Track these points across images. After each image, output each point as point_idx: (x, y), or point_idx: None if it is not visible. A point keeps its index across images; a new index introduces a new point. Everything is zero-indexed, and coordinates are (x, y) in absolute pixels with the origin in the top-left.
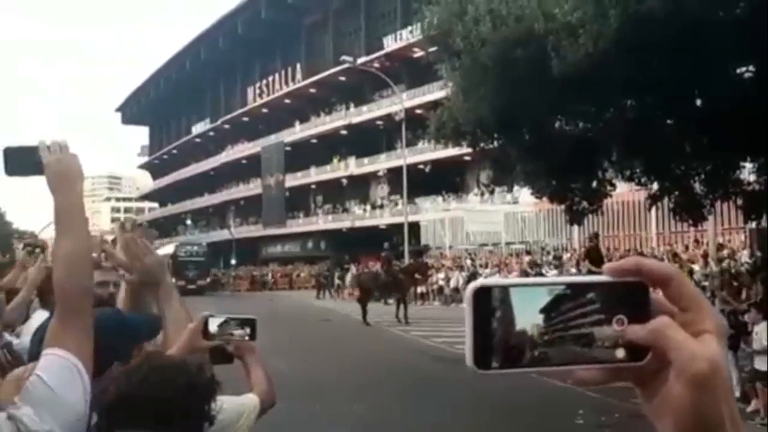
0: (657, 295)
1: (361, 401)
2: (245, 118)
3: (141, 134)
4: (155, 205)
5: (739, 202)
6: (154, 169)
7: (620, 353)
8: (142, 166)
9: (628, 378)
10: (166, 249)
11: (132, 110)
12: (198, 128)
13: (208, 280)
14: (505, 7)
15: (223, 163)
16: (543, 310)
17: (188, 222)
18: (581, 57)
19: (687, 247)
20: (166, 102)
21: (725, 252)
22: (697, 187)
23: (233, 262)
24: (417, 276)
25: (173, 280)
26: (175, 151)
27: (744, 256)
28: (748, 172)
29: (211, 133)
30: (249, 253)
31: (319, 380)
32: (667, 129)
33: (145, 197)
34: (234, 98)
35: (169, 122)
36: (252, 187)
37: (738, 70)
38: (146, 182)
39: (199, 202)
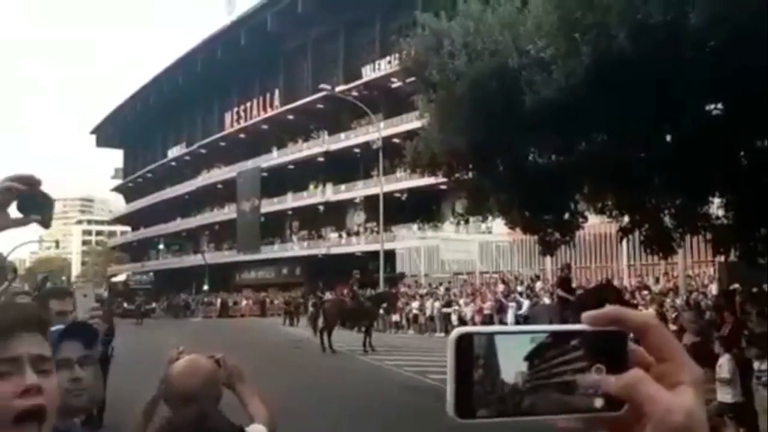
0: (636, 345)
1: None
2: (222, 143)
3: (115, 157)
4: (127, 228)
5: (708, 236)
6: (128, 192)
7: (599, 402)
8: (116, 189)
9: (606, 427)
10: (119, 277)
11: (107, 132)
12: (174, 152)
13: (154, 305)
14: (480, 42)
15: (199, 187)
16: (526, 358)
17: (161, 246)
18: (553, 92)
19: (657, 280)
20: (142, 125)
21: (694, 284)
22: (667, 220)
23: (206, 287)
24: (385, 305)
25: (125, 304)
26: (149, 175)
27: (713, 289)
28: (716, 207)
29: (187, 157)
30: (222, 278)
31: (288, 410)
32: (638, 164)
33: (118, 220)
34: (211, 123)
35: (145, 145)
36: (227, 212)
37: (707, 108)
38: (119, 205)
39: (172, 227)
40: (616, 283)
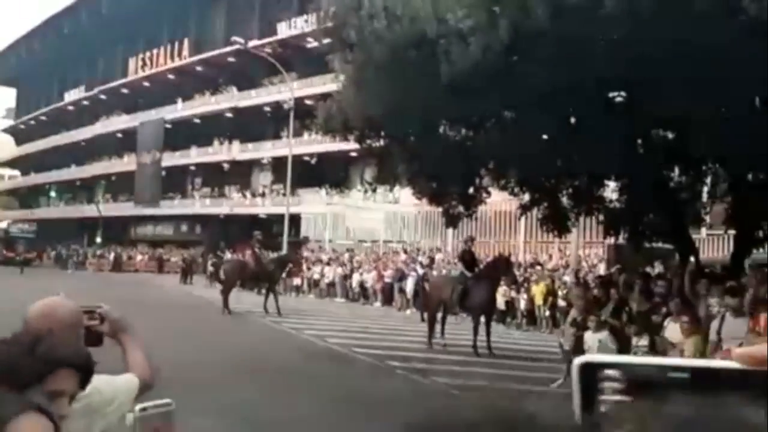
0: None
1: (227, 392)
2: (124, 90)
3: (7, 96)
4: (16, 173)
5: (601, 218)
6: (19, 134)
7: None
8: (6, 130)
9: None
10: (1, 224)
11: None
12: (71, 95)
13: (35, 254)
14: (400, 6)
15: (97, 134)
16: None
17: (52, 194)
18: (469, 64)
19: (551, 257)
20: (38, 64)
21: (584, 263)
22: (565, 200)
23: (98, 240)
24: (290, 267)
25: (4, 251)
26: (44, 117)
27: (601, 269)
28: (611, 190)
29: (86, 102)
30: (117, 232)
31: (184, 370)
32: (542, 143)
33: (7, 164)
34: (114, 68)
35: (41, 86)
36: (126, 163)
37: (610, 94)
38: (9, 148)
39: (66, 174)
40: (513, 259)
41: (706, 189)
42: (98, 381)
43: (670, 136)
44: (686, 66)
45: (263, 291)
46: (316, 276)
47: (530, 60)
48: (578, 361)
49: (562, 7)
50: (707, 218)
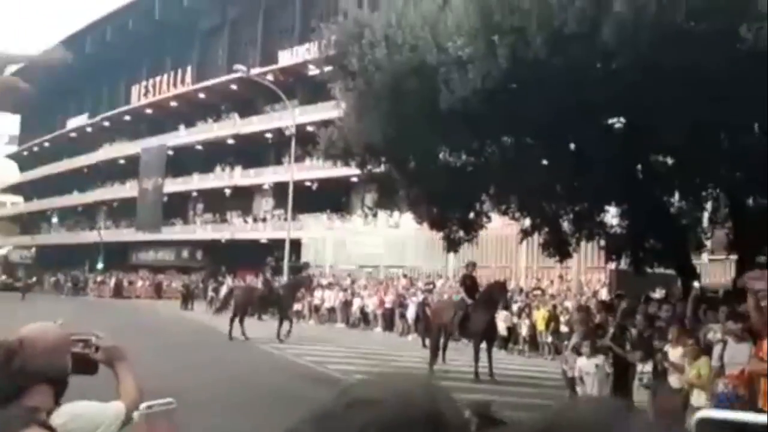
0: None
1: (222, 417)
2: (127, 117)
3: (11, 123)
4: (19, 199)
5: (602, 243)
6: (22, 161)
7: None
8: (9, 156)
9: None
10: (1, 251)
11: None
12: (74, 122)
13: (35, 279)
14: (401, 36)
15: (99, 161)
16: None
17: (54, 220)
18: (469, 92)
19: (552, 282)
20: (42, 91)
21: (586, 288)
22: (566, 225)
23: (100, 266)
24: (302, 292)
25: (3, 277)
26: (47, 144)
27: (603, 294)
28: (611, 216)
29: (89, 129)
30: (118, 257)
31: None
32: (542, 169)
33: (9, 190)
34: (117, 95)
35: (44, 113)
36: (128, 189)
37: (610, 121)
38: (12, 174)
39: (68, 200)
40: (513, 284)
41: (706, 214)
42: (79, 408)
43: (670, 161)
44: (684, 93)
45: (264, 317)
46: (317, 301)
47: (529, 87)
48: (698, 415)
49: (560, 36)
50: (708, 243)
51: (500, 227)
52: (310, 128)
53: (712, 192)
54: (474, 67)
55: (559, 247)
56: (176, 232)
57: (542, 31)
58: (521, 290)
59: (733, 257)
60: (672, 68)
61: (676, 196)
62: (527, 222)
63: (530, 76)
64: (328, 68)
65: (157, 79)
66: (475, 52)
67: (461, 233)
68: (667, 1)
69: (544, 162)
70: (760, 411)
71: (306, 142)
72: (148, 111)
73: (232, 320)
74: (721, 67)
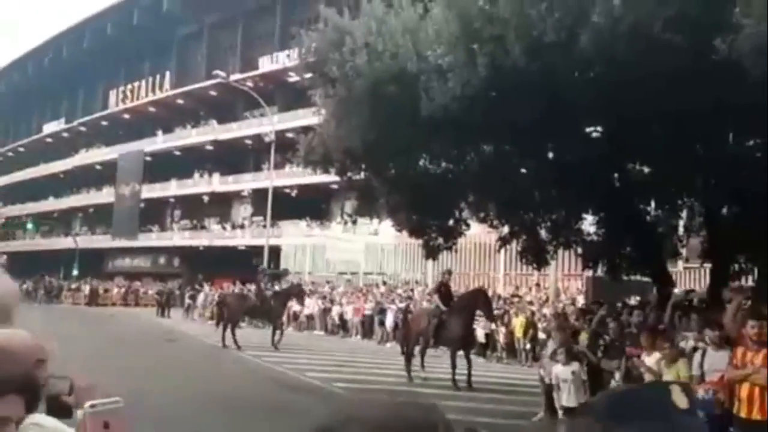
0: None
1: (200, 426)
2: (104, 122)
3: None
4: None
5: (579, 250)
6: None
7: None
8: None
9: None
10: None
11: None
12: (50, 127)
13: None
14: (381, 43)
15: (75, 166)
16: None
17: (29, 226)
18: (449, 100)
19: (530, 289)
20: (18, 96)
21: (563, 296)
22: (543, 233)
23: (75, 272)
24: (294, 301)
25: None
26: (21, 149)
27: (580, 301)
28: (588, 223)
29: (65, 134)
30: (93, 264)
31: (157, 405)
32: (520, 177)
33: None
34: (94, 101)
35: (19, 118)
36: (104, 195)
37: (588, 130)
38: None
39: (43, 206)
40: (491, 291)
41: (682, 223)
42: (42, 418)
43: (646, 171)
44: (661, 103)
45: (242, 324)
46: (296, 308)
47: (508, 96)
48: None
49: (538, 44)
50: (684, 251)
51: (479, 235)
52: (289, 135)
53: (687, 201)
54: (454, 75)
55: (537, 255)
56: (153, 238)
57: (521, 40)
58: (499, 297)
59: (708, 265)
60: (649, 78)
61: (653, 204)
62: (506, 230)
63: (509, 85)
64: (308, 75)
65: (135, 84)
66: (454, 61)
67: (440, 240)
68: (643, 13)
69: (523, 170)
70: (739, 418)
71: (285, 148)
72: (126, 116)
73: (224, 328)
74: (696, 78)
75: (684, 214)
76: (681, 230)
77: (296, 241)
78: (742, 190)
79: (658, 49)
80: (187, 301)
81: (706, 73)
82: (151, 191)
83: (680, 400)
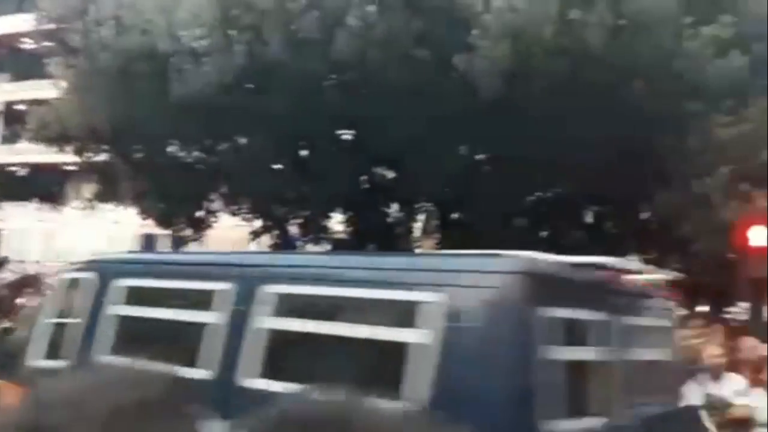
0: None
1: None
2: None
3: None
4: None
5: (327, 248)
6: None
7: None
8: None
9: None
10: None
11: None
12: None
13: None
14: (131, 17)
15: None
16: None
17: None
18: (204, 85)
19: None
20: None
21: None
22: (294, 229)
23: None
24: (28, 292)
25: None
26: None
27: None
28: (336, 221)
29: None
30: None
31: None
32: (273, 173)
33: None
34: None
35: None
36: None
37: (339, 132)
38: None
39: None
40: None
41: (419, 225)
42: None
43: (390, 175)
44: (404, 111)
45: None
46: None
47: (266, 89)
48: None
49: (296, 39)
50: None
51: (231, 227)
52: (21, 107)
53: (425, 205)
54: (211, 59)
55: (285, 250)
56: None
57: (278, 32)
58: None
59: None
60: (396, 87)
61: (396, 206)
62: (258, 223)
63: (268, 78)
64: (46, 43)
65: None
66: (212, 45)
67: (189, 231)
68: (395, 24)
69: (276, 166)
70: None
71: (17, 122)
72: None
73: None
74: (437, 91)
75: (422, 216)
76: (418, 232)
77: (22, 225)
78: (473, 196)
79: (405, 60)
80: None
81: (446, 88)
82: None
83: None
